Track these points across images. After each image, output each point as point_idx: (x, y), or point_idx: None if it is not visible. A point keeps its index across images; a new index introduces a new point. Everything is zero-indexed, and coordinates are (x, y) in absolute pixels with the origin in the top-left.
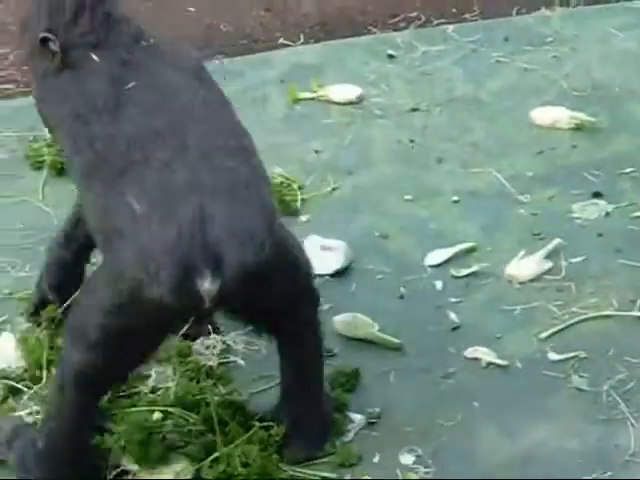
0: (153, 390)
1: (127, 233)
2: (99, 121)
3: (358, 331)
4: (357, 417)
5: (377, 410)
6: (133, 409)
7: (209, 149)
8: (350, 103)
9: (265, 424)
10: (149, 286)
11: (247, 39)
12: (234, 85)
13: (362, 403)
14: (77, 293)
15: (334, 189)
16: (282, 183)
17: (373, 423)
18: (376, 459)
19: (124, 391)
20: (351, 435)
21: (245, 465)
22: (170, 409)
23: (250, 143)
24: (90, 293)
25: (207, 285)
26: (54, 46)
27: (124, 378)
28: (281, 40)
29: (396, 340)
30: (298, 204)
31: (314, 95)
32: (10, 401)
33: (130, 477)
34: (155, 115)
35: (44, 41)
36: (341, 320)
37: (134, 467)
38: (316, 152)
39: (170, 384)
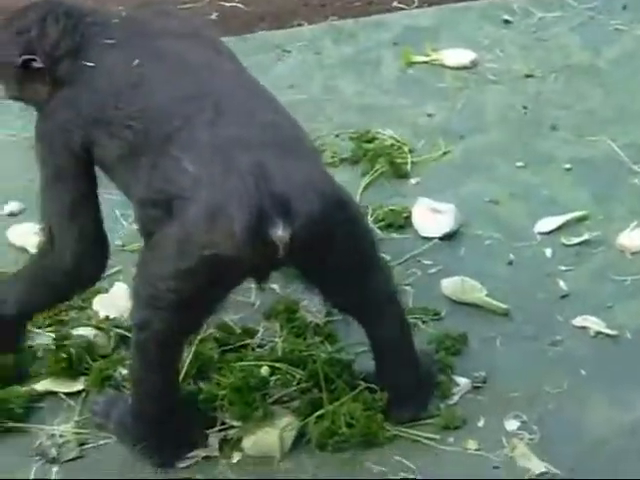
0: (260, 345)
1: (188, 196)
2: (127, 104)
3: (466, 295)
4: (462, 381)
5: (483, 374)
6: (240, 363)
7: (249, 108)
8: (464, 68)
9: (370, 385)
10: (221, 243)
11: (361, 1)
12: (348, 47)
13: (468, 367)
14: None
15: (445, 153)
16: (393, 145)
17: (478, 387)
18: (480, 423)
19: (232, 344)
20: (456, 398)
21: (349, 425)
22: (277, 364)
23: (276, 98)
24: (157, 259)
25: (280, 232)
26: (38, 63)
27: (201, 328)
28: (395, 3)
29: (504, 305)
30: (409, 167)
31: (428, 59)
32: (121, 350)
33: (234, 433)
34: (177, 81)
35: (26, 64)
36: (449, 283)
37: (237, 423)
38: (428, 115)
39: (277, 340)
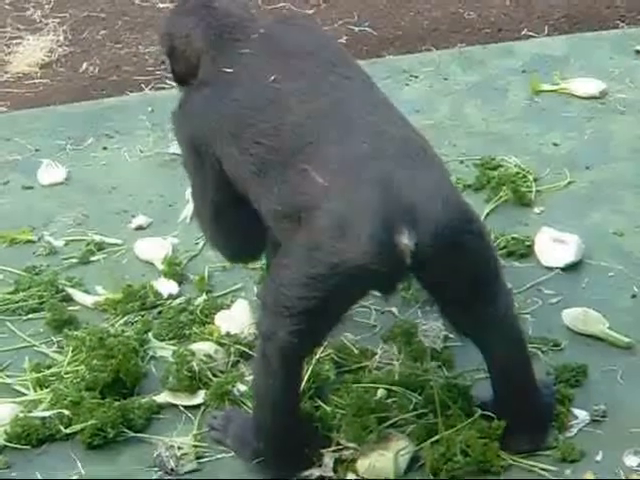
0: (378, 367)
1: (318, 206)
2: (260, 120)
3: (587, 327)
4: (581, 413)
5: (602, 408)
6: (357, 385)
7: (377, 121)
8: (592, 98)
9: (487, 413)
10: (349, 251)
11: (490, 28)
12: (475, 74)
13: (587, 400)
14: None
15: (570, 183)
16: (518, 174)
17: (598, 421)
18: (599, 457)
19: (350, 365)
20: (574, 431)
21: (465, 452)
22: (393, 388)
23: (402, 113)
24: (286, 268)
25: (406, 240)
26: (170, 73)
27: (324, 341)
28: (525, 31)
29: (626, 339)
30: (533, 195)
31: (556, 87)
32: (240, 366)
33: (349, 454)
34: (310, 99)
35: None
36: (570, 314)
37: (353, 444)
38: (555, 145)
39: (395, 363)
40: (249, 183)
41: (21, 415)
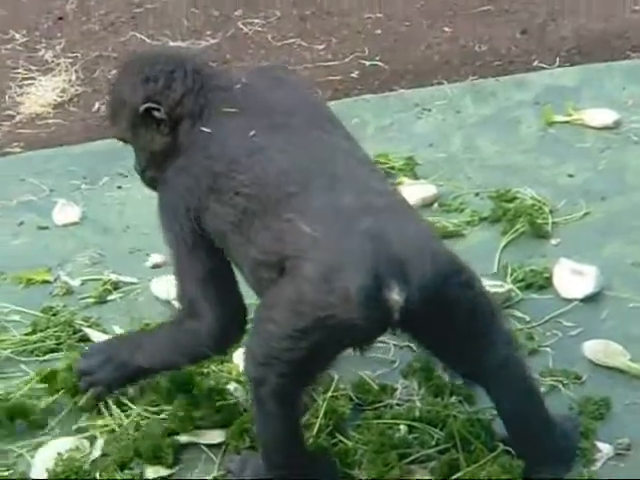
0: (398, 403)
1: (304, 257)
2: (240, 172)
3: (609, 359)
4: (605, 447)
5: (626, 441)
6: (378, 421)
7: (362, 176)
8: (606, 128)
9: (509, 448)
10: (337, 304)
11: (502, 60)
12: (487, 106)
13: (611, 433)
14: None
15: (586, 214)
16: (533, 205)
17: (621, 454)
18: None
19: (369, 403)
20: (599, 465)
21: None
22: (415, 423)
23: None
24: (269, 321)
25: (395, 296)
26: (161, 114)
27: (317, 381)
28: (536, 62)
29: None
30: (549, 227)
31: (569, 118)
32: None
33: None
34: (292, 152)
35: (147, 111)
36: (591, 346)
37: None
38: (569, 176)
39: (415, 399)
40: (228, 235)
41: (65, 455)
